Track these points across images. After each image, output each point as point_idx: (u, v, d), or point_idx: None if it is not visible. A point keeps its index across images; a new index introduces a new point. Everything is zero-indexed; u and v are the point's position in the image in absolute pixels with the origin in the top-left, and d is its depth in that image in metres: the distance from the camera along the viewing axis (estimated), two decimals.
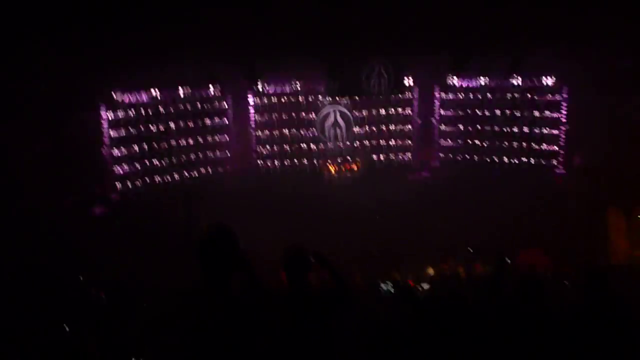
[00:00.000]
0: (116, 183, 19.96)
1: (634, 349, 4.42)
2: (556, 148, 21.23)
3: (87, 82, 17.39)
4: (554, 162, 21.28)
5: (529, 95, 21.43)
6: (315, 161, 23.35)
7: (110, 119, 19.61)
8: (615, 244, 15.54)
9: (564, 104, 20.79)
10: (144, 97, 20.25)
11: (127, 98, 19.91)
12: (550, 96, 21.12)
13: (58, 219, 15.94)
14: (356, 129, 23.54)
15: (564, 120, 20.91)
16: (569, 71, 19.58)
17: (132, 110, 20.05)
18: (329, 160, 23.24)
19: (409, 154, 23.76)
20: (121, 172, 20.05)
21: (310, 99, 23.00)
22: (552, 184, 19.80)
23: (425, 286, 11.80)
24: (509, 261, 4.79)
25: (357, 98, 22.85)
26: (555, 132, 21.17)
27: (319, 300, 3.99)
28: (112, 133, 19.73)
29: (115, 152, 19.88)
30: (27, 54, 14.88)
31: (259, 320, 3.16)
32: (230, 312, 3.02)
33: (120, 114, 19.84)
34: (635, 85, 16.58)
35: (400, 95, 22.88)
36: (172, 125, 20.99)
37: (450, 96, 22.90)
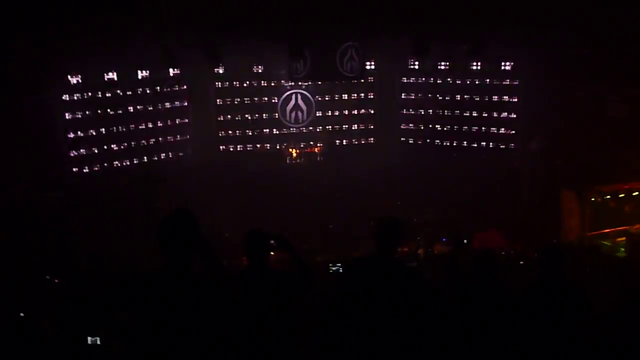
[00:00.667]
0: (72, 167, 19.50)
1: (584, 324, 4.60)
2: (513, 132, 21.75)
3: (41, 64, 16.85)
4: (511, 145, 21.81)
5: (488, 80, 21.84)
6: (277, 145, 23.28)
7: (65, 101, 19.09)
8: (567, 224, 16.10)
9: (521, 89, 21.26)
10: (101, 79, 19.74)
11: (84, 80, 19.38)
12: (508, 81, 21.57)
13: (12, 204, 15.53)
14: (318, 113, 23.55)
15: (520, 104, 21.39)
16: (527, 57, 20.02)
17: (89, 93, 19.53)
18: (290, 144, 23.21)
19: (371, 139, 23.93)
20: (78, 155, 19.58)
21: (272, 83, 22.86)
22: (508, 167, 20.32)
23: None
24: (465, 241, 4.92)
25: (319, 82, 22.78)
26: (513, 116, 21.67)
27: (279, 282, 4.03)
28: (68, 116, 19.22)
29: (71, 135, 19.39)
30: None
31: (219, 300, 3.19)
32: (190, 292, 3.04)
33: (76, 96, 19.33)
34: (590, 72, 17.08)
35: (362, 80, 22.95)
36: (130, 108, 20.56)
37: (412, 80, 23.11)
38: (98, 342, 4.34)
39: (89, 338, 4.35)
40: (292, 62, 21.02)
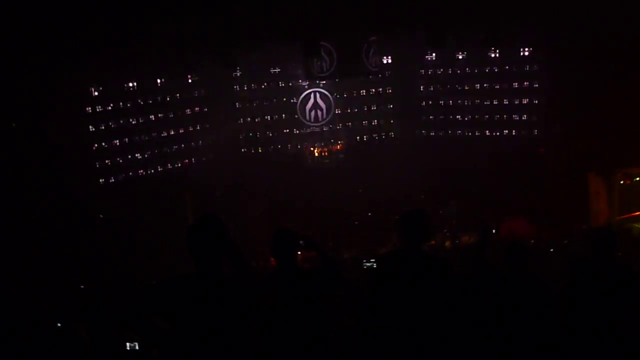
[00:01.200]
0: (99, 178, 19.82)
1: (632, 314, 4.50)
2: (535, 118, 21.48)
3: (65, 78, 17.14)
4: (535, 131, 21.54)
5: (507, 67, 21.61)
6: (297, 145, 23.35)
7: (89, 113, 19.41)
8: (595, 209, 15.84)
9: (541, 74, 20.98)
10: (122, 90, 20.02)
11: (104, 92, 19.68)
12: (528, 67, 21.31)
13: (42, 216, 15.84)
14: (337, 111, 23.55)
15: (541, 89, 21.11)
16: (546, 41, 19.73)
17: (111, 104, 19.83)
18: (311, 143, 23.26)
19: (392, 133, 23.85)
20: (103, 166, 19.89)
21: (290, 83, 22.93)
22: (532, 154, 20.05)
23: None
24: (493, 231, 4.88)
25: (336, 80, 22.75)
26: (535, 101, 21.39)
27: (309, 281, 4.05)
28: (92, 128, 19.54)
29: (96, 146, 19.71)
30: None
31: (251, 303, 3.24)
32: (222, 295, 3.09)
33: (98, 108, 19.63)
34: (611, 53, 16.75)
35: (379, 75, 22.88)
36: (151, 117, 20.82)
37: (430, 72, 22.96)
38: (137, 348, 4.43)
39: (128, 344, 4.45)
40: (312, 61, 21.06)
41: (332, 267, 4.05)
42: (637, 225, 15.15)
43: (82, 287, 10.34)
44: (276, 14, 15.43)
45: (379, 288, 4.29)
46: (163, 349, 3.12)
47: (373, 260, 9.91)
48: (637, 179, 15.59)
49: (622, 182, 15.53)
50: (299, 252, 4.20)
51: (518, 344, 4.33)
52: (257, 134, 23.04)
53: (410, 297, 4.09)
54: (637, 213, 15.45)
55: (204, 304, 3.05)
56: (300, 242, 4.04)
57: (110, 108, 19.80)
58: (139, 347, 4.43)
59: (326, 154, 23.24)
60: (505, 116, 22.04)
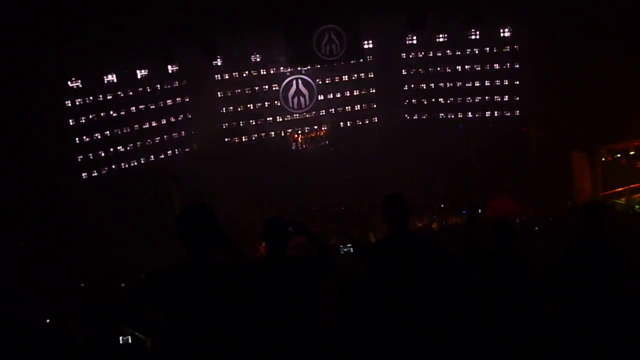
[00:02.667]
0: (81, 173, 19.58)
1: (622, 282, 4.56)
2: (517, 98, 21.61)
3: (42, 71, 16.84)
4: (516, 112, 21.69)
5: (487, 49, 21.67)
6: (281, 132, 23.26)
7: (68, 106, 19.12)
8: (579, 186, 16.03)
9: (521, 53, 21.09)
10: (101, 82, 19.73)
11: (84, 85, 19.37)
12: (508, 47, 21.40)
13: (24, 211, 15.64)
14: (320, 97, 23.48)
15: (522, 69, 21.22)
16: (526, 20, 19.80)
17: (90, 97, 19.54)
18: (295, 130, 23.19)
19: (375, 118, 23.87)
20: (85, 160, 19.65)
21: (271, 71, 22.77)
22: (515, 134, 20.21)
23: None
24: (480, 210, 4.88)
25: (317, 65, 22.65)
26: (516, 82, 21.52)
27: (300, 267, 4.04)
28: (72, 121, 19.26)
29: (77, 140, 19.45)
30: None
31: (244, 290, 3.21)
32: (215, 283, 3.06)
33: (78, 101, 19.34)
34: (593, 31, 16.85)
35: (361, 60, 22.80)
36: (132, 109, 20.56)
37: (411, 56, 22.93)
38: (130, 341, 4.39)
39: (121, 337, 4.41)
40: (288, 48, 20.94)
41: (324, 253, 4.04)
42: (619, 202, 15.39)
43: (71, 281, 10.25)
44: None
45: (369, 274, 4.31)
46: (157, 341, 3.09)
47: (350, 245, 9.98)
48: (619, 155, 15.78)
49: (604, 159, 15.70)
50: (289, 239, 4.18)
51: (507, 322, 4.37)
52: (240, 123, 22.87)
53: (401, 276, 4.11)
54: (620, 189, 15.66)
55: (198, 292, 3.02)
56: (290, 228, 4.03)
57: (89, 101, 19.50)
58: (131, 340, 4.40)
59: (310, 140, 23.19)
60: (487, 98, 22.14)
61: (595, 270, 4.42)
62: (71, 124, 19.26)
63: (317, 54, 21.19)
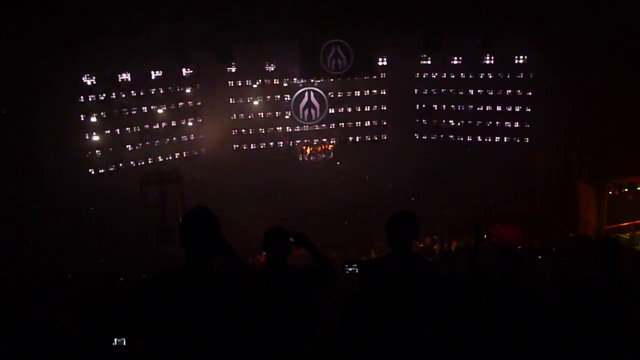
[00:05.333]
0: (89, 168, 19.68)
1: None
2: (528, 126, 21.60)
3: (57, 67, 17.00)
4: (526, 139, 21.66)
5: (500, 75, 21.70)
6: (290, 143, 23.30)
7: (81, 102, 19.27)
8: (584, 218, 15.94)
9: (535, 82, 21.10)
10: (116, 81, 19.88)
11: (98, 82, 19.53)
12: (522, 74, 21.42)
13: (32, 205, 15.71)
14: (331, 110, 23.52)
15: (534, 97, 21.23)
16: (541, 49, 19.83)
17: (103, 94, 19.69)
18: (303, 141, 23.23)
19: (384, 135, 23.87)
20: (94, 156, 19.76)
21: (284, 81, 22.86)
22: (524, 161, 20.16)
23: None
24: (485, 236, 4.85)
25: (330, 80, 22.73)
26: (528, 110, 21.52)
27: (299, 278, 4.03)
28: (83, 117, 19.40)
29: (87, 136, 19.58)
30: None
31: (242, 298, 3.20)
32: (212, 290, 3.05)
33: (91, 98, 19.50)
34: (605, 63, 16.86)
35: (374, 76, 22.88)
36: (144, 109, 20.69)
37: (424, 76, 22.98)
38: (124, 344, 4.38)
39: (115, 340, 4.39)
40: (303, 60, 21.08)
41: (324, 265, 4.02)
42: (624, 236, 15.28)
43: (69, 275, 10.25)
44: (273, 10, 15.41)
45: (363, 291, 4.27)
46: (151, 345, 3.08)
47: (355, 265, 9.94)
48: (626, 189, 15.69)
49: (611, 192, 15.62)
50: (290, 250, 4.17)
51: (507, 349, 4.34)
52: (249, 130, 22.93)
53: (393, 299, 4.08)
54: (625, 224, 15.55)
55: (195, 298, 3.01)
56: (290, 239, 4.02)
57: (102, 98, 19.65)
58: (125, 343, 4.38)
59: (318, 153, 23.21)
60: (497, 123, 22.13)
61: (607, 306, 4.38)
62: (82, 119, 19.40)
63: (324, 67, 21.29)
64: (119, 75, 19.86)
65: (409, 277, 4.05)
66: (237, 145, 22.95)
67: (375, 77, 22.79)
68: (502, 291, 4.48)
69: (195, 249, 3.04)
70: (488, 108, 22.19)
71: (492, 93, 21.99)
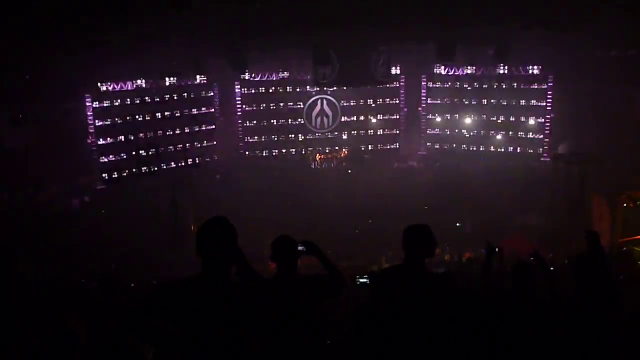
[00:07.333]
0: (102, 173, 19.83)
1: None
2: (541, 136, 21.48)
3: (71, 72, 17.19)
4: (540, 150, 21.53)
5: (515, 84, 21.63)
6: (302, 150, 23.34)
7: (95, 108, 19.46)
8: (598, 230, 15.73)
9: (549, 92, 21.01)
10: (130, 86, 20.07)
11: (113, 88, 19.73)
12: (536, 85, 21.33)
13: (43, 209, 15.85)
14: (343, 118, 23.54)
15: (549, 108, 21.13)
16: (555, 60, 19.75)
17: (118, 100, 19.88)
18: (316, 149, 23.25)
19: (396, 144, 23.85)
20: (107, 161, 19.91)
21: (297, 89, 22.94)
22: (537, 172, 20.03)
23: None
24: (497, 249, 4.82)
25: (344, 88, 22.69)
26: (541, 120, 21.41)
27: (309, 287, 4.02)
28: (98, 123, 19.58)
29: (101, 141, 19.75)
30: (10, 44, 14.68)
31: (254, 306, 3.20)
32: (226, 298, 3.05)
33: (106, 103, 19.69)
34: (620, 73, 16.76)
35: (387, 85, 22.88)
36: (158, 115, 20.83)
37: (437, 85, 22.97)
38: (134, 348, 4.39)
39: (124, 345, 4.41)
40: (319, 68, 21.00)
41: (335, 273, 4.01)
42: (638, 249, 15.08)
43: (84, 280, 10.31)
44: (288, 18, 15.45)
45: (374, 304, 4.25)
46: (165, 351, 3.08)
47: (366, 276, 9.89)
48: None
49: (625, 204, 15.45)
50: (299, 258, 4.16)
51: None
52: (262, 137, 23.02)
53: (405, 314, 4.05)
54: (639, 237, 15.37)
55: (209, 305, 3.01)
56: (300, 247, 4.01)
57: (117, 104, 19.83)
58: (137, 347, 4.39)
59: (330, 161, 23.22)
60: (510, 133, 22.02)
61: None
62: (98, 124, 19.58)
63: (373, 74, 21.16)
64: (134, 82, 20.06)
65: (422, 288, 4.02)
66: (250, 152, 23.04)
67: (388, 85, 22.77)
68: (516, 304, 4.44)
69: (213, 257, 3.05)
70: (502, 118, 22.09)
71: (505, 103, 21.92)
